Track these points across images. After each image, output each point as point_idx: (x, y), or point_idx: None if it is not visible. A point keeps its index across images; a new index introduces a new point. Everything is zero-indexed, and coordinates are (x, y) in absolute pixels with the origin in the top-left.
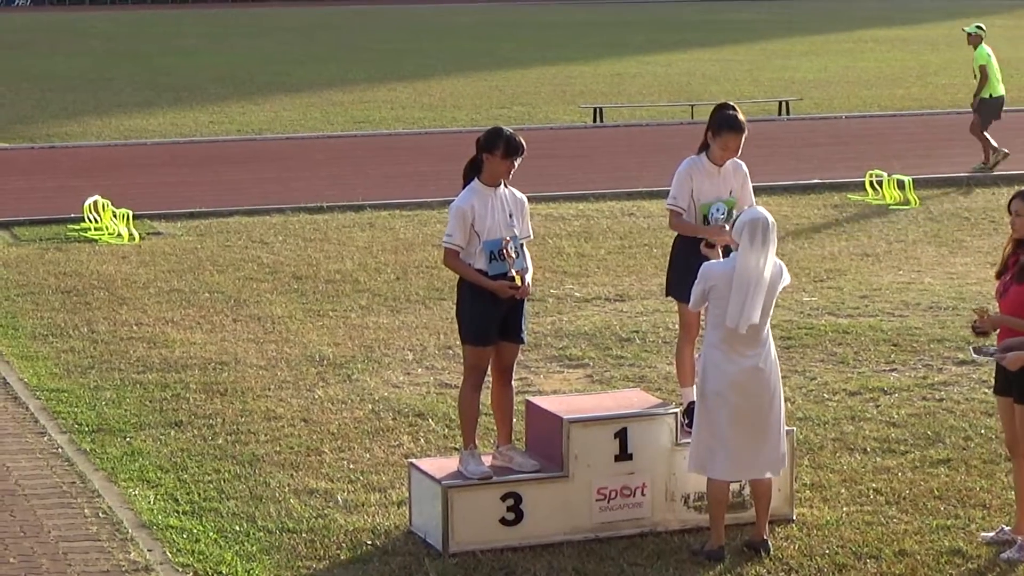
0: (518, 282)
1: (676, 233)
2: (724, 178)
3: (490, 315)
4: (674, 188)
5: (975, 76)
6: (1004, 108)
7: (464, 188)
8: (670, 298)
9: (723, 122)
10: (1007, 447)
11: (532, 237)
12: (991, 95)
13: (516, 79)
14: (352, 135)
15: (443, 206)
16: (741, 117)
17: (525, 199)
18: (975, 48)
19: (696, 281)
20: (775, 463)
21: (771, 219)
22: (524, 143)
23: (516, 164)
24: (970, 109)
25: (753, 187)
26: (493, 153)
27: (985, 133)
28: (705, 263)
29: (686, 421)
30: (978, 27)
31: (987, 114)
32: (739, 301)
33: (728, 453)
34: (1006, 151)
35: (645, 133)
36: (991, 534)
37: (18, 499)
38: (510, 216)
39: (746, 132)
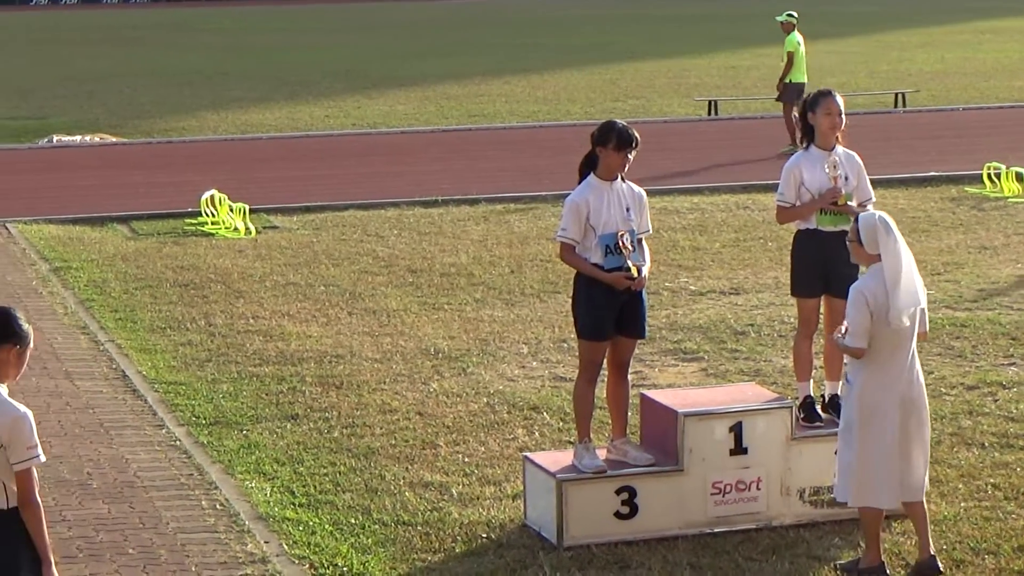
0: (634, 273)
1: (796, 230)
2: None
3: (606, 309)
4: (782, 183)
5: (782, 60)
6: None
7: (580, 183)
8: (791, 296)
9: (819, 95)
10: None
11: (651, 232)
12: (793, 80)
13: (630, 72)
14: (466, 129)
15: (557, 200)
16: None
17: (644, 193)
18: (787, 34)
19: (852, 310)
20: (925, 480)
21: (885, 215)
22: (637, 136)
23: (630, 157)
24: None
25: (869, 180)
26: (606, 146)
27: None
28: (851, 291)
29: (802, 415)
30: (789, 14)
31: (791, 97)
32: (901, 293)
33: (892, 477)
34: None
35: (760, 126)
36: None
37: (137, 491)
38: (627, 210)
39: (839, 99)
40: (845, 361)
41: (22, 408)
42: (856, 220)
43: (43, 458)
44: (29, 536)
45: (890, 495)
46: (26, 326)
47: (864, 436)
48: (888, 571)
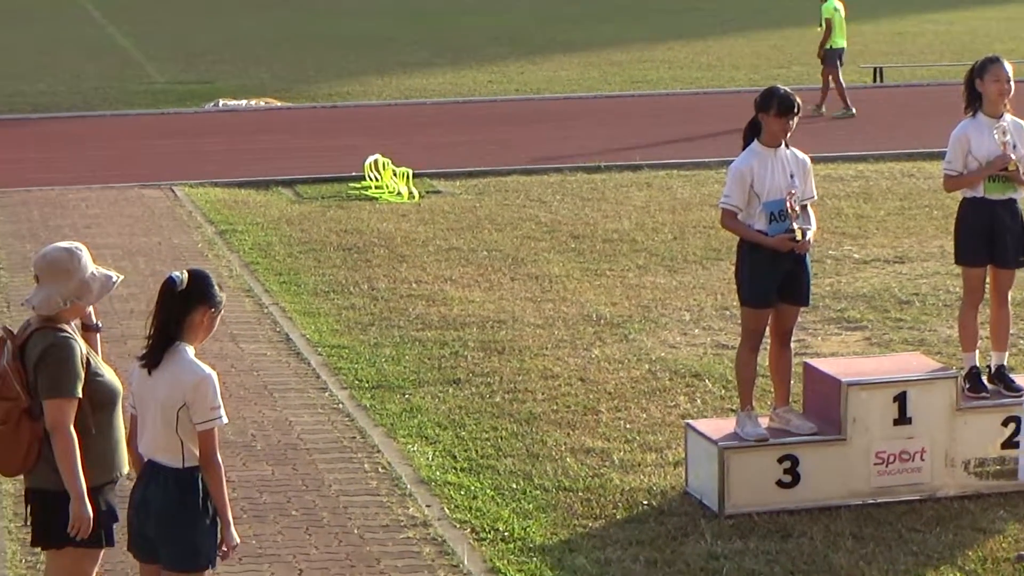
0: (799, 236)
1: (962, 198)
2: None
3: (769, 277)
4: (949, 151)
5: (820, 27)
6: None
7: (744, 149)
8: (955, 264)
9: (987, 61)
10: None
11: (816, 198)
12: (833, 46)
13: (795, 38)
14: (630, 95)
15: (721, 166)
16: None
17: (808, 160)
18: (824, 2)
19: None
20: None
21: None
22: (799, 102)
23: (791, 124)
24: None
25: None
26: (768, 112)
27: (838, 80)
28: None
29: (967, 386)
30: None
31: (832, 62)
32: None
33: None
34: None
35: (926, 93)
36: None
37: (300, 453)
38: (791, 177)
39: (1007, 65)
40: (1013, 332)
41: (207, 369)
42: None
43: (225, 420)
44: (202, 496)
45: None
46: (220, 292)
47: None
48: None
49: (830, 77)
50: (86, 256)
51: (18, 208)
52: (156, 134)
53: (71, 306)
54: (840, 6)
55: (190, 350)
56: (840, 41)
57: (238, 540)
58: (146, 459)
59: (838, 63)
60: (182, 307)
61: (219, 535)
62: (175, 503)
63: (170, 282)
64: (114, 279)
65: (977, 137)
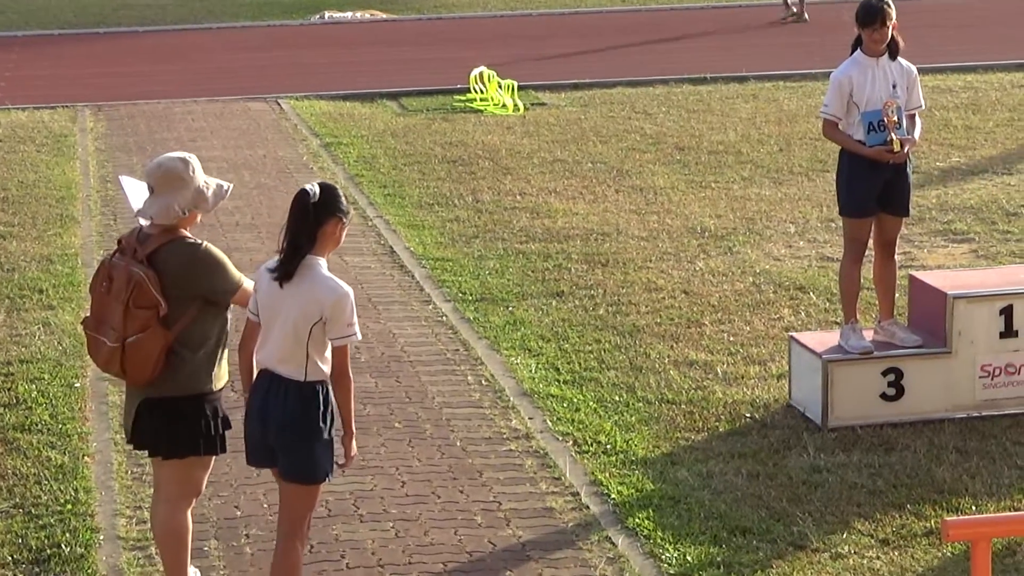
0: (896, 147)
1: None
2: None
3: (868, 187)
4: None
5: None
6: None
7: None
8: None
9: None
10: None
11: (923, 107)
12: None
13: None
14: (736, 6)
15: (826, 77)
16: None
17: (914, 69)
18: None
19: None
20: None
21: None
22: (888, 11)
23: (880, 34)
24: None
25: None
26: (857, 23)
27: None
28: None
29: None
30: None
31: None
32: None
33: None
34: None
35: None
36: None
37: (404, 365)
38: (893, 87)
39: None
40: None
41: (345, 286)
42: None
43: (359, 336)
44: (323, 409)
45: None
46: (348, 203)
47: None
48: None
49: None
50: (198, 165)
51: (124, 121)
52: (261, 46)
53: (188, 215)
54: None
55: (323, 263)
56: None
57: (356, 452)
58: (263, 368)
59: None
60: (316, 219)
61: (342, 446)
62: (297, 416)
63: (304, 194)
64: (226, 187)
65: None
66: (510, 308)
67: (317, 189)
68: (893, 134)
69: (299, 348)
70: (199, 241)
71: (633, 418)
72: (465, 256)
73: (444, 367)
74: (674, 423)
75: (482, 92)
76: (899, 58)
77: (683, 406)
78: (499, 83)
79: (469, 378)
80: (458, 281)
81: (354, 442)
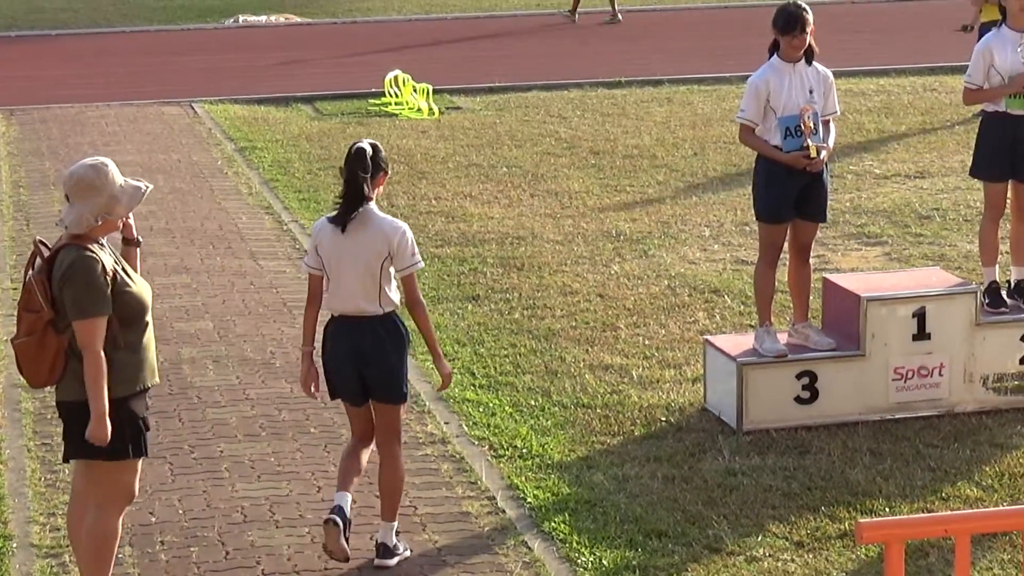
0: (812, 153)
1: (983, 112)
2: None
3: (785, 192)
4: (971, 65)
5: None
6: None
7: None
8: (975, 179)
9: None
10: None
11: (838, 113)
12: None
13: None
14: (650, 9)
15: (741, 81)
16: None
17: (830, 74)
18: None
19: None
20: None
21: None
22: (806, 18)
23: (799, 40)
24: None
25: None
26: (776, 29)
27: None
28: None
29: (987, 301)
30: None
31: None
32: None
33: None
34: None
35: (948, 7)
36: None
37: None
38: (810, 92)
39: None
40: None
41: (402, 223)
42: None
43: (422, 264)
44: (402, 335)
45: None
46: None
47: None
48: None
49: None
50: (113, 170)
51: (37, 126)
52: (176, 50)
53: (103, 222)
54: None
55: (375, 207)
56: None
57: (450, 369)
58: (339, 313)
59: None
60: (373, 171)
61: (434, 367)
62: (386, 344)
63: (361, 150)
64: (143, 189)
65: (1000, 50)
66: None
67: (369, 147)
68: (810, 140)
69: (373, 284)
70: (88, 252)
71: (549, 422)
72: None
73: None
74: (590, 427)
75: (397, 96)
76: (815, 63)
77: (599, 410)
78: (414, 87)
79: (346, 413)
80: None
81: (445, 361)
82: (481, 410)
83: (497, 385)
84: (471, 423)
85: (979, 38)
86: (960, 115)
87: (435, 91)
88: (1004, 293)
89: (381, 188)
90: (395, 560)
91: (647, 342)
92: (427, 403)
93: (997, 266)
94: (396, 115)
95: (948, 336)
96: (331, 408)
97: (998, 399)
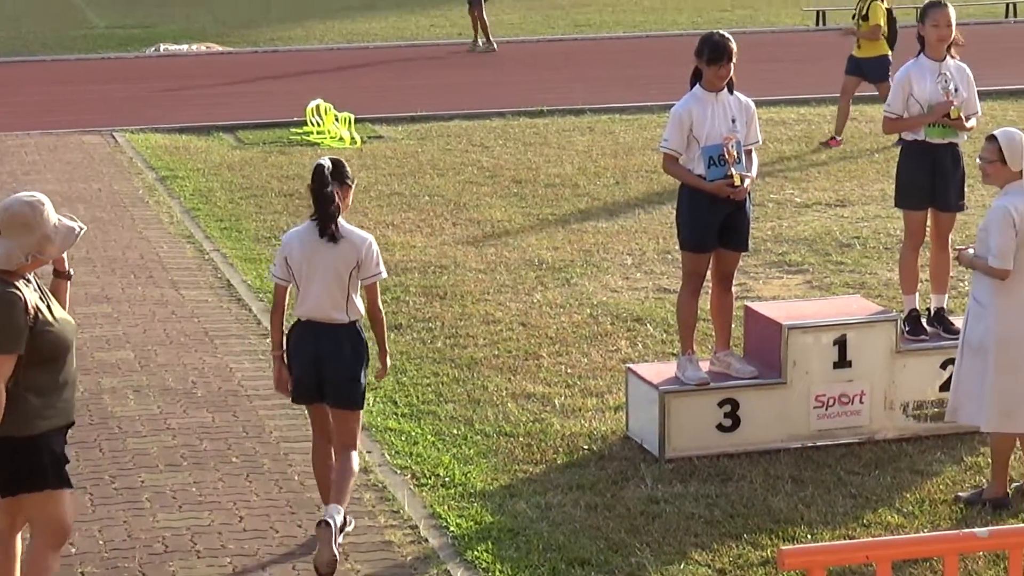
0: (736, 181)
1: (903, 141)
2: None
3: (708, 221)
4: (891, 94)
5: None
6: None
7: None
8: (895, 207)
9: (929, 6)
10: None
11: (760, 142)
12: None
13: None
14: (572, 39)
15: (663, 110)
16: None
17: (752, 104)
18: None
19: (996, 230)
20: None
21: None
22: (732, 48)
23: (725, 70)
24: None
25: (978, 92)
26: (701, 59)
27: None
28: (994, 210)
29: (907, 328)
30: None
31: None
32: None
33: None
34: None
35: None
36: None
37: (241, 400)
38: (733, 121)
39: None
40: (953, 275)
41: (369, 235)
42: (994, 140)
43: (385, 274)
44: (363, 345)
45: None
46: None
47: (1002, 360)
48: (1011, 502)
49: (476, 14)
50: (48, 209)
51: None
52: (96, 79)
53: (32, 260)
54: None
55: (344, 220)
56: None
57: (389, 367)
58: (307, 319)
59: (483, 2)
60: (338, 186)
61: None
62: (348, 351)
63: (320, 166)
64: (77, 230)
65: (919, 80)
66: None
67: (329, 164)
68: (733, 169)
69: (342, 293)
70: (9, 287)
71: (471, 451)
72: None
73: (281, 401)
74: (512, 455)
75: (319, 125)
76: (736, 92)
77: (521, 438)
78: (336, 116)
79: (306, 412)
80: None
81: (388, 357)
82: (403, 439)
83: (419, 414)
84: (393, 452)
85: (847, 70)
86: (880, 144)
87: (357, 120)
88: (924, 321)
89: (348, 201)
90: (342, 536)
91: (569, 371)
92: None
93: (917, 294)
94: (318, 144)
95: (869, 364)
96: (252, 438)
97: (918, 426)
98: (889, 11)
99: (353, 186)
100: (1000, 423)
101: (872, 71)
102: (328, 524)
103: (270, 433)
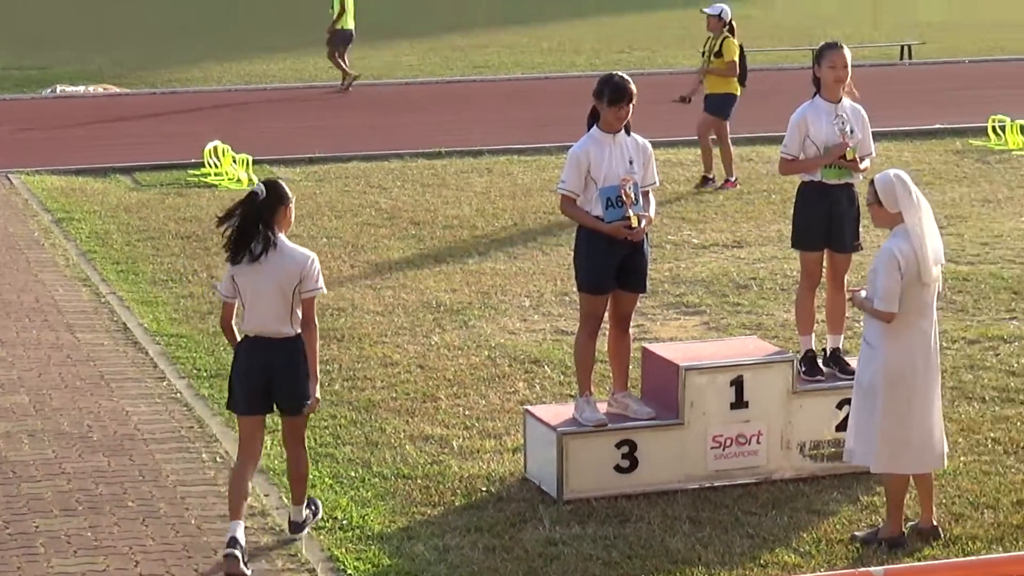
0: (634, 223)
1: (799, 182)
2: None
3: (606, 263)
4: (787, 135)
5: (331, 9)
6: None
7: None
8: (793, 248)
9: (826, 47)
10: None
11: (657, 184)
12: (343, 27)
13: (637, 23)
14: (471, 80)
15: (561, 152)
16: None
17: (649, 146)
18: None
19: (882, 273)
20: (944, 447)
21: (900, 172)
22: (633, 90)
23: (625, 112)
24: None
25: (873, 133)
26: (601, 100)
27: (340, 59)
28: (880, 253)
29: (803, 369)
30: None
31: (340, 42)
32: (930, 249)
33: (919, 443)
34: (356, 73)
35: (766, 78)
36: None
37: (137, 443)
38: (630, 163)
39: (846, 52)
40: (849, 315)
41: (311, 253)
42: (872, 184)
43: (324, 289)
44: (305, 355)
45: (917, 461)
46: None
47: (890, 402)
48: (906, 542)
49: (337, 55)
50: None
51: None
52: None
53: None
54: None
55: (285, 238)
56: (350, 24)
57: (319, 397)
58: (254, 334)
59: (345, 43)
60: (271, 209)
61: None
62: (297, 360)
63: (254, 196)
64: None
65: (815, 122)
66: None
67: (263, 188)
68: (630, 211)
69: (286, 307)
70: None
71: (369, 493)
72: (200, 332)
73: (178, 444)
74: (410, 498)
75: (216, 166)
76: (633, 134)
77: (419, 481)
78: (233, 157)
79: (204, 455)
80: (192, 357)
81: (318, 386)
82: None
83: (317, 456)
84: (291, 495)
85: (705, 108)
86: (776, 184)
87: (255, 162)
88: (820, 361)
89: (291, 218)
90: (306, 530)
91: (467, 412)
92: None
93: (813, 335)
94: (216, 186)
95: (765, 404)
96: (148, 482)
97: (815, 466)
98: (741, 47)
99: (291, 204)
100: (889, 464)
101: (715, 107)
102: (235, 556)
103: (166, 477)
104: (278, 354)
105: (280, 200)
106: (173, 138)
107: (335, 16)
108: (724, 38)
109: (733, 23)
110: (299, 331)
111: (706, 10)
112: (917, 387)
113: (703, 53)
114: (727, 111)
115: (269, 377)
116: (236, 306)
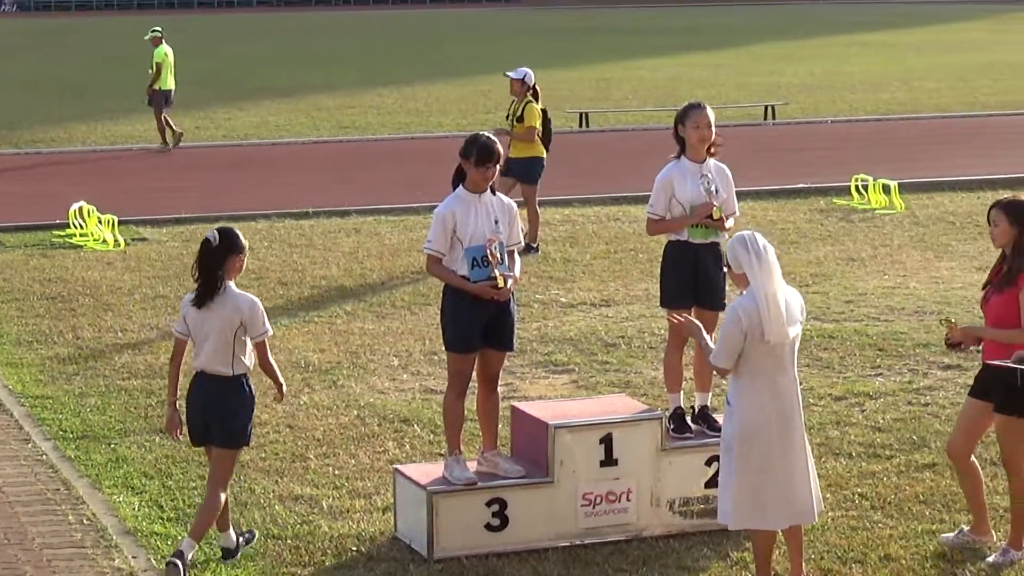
0: (500, 283)
1: (666, 241)
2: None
3: (473, 322)
4: (653, 195)
5: (151, 69)
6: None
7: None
8: (661, 307)
9: (689, 108)
10: (954, 450)
11: (522, 244)
12: (162, 87)
13: (503, 84)
14: (338, 140)
15: (429, 211)
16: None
17: (514, 205)
18: (156, 47)
19: (724, 328)
20: (817, 500)
21: (754, 233)
22: (500, 151)
23: (491, 172)
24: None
25: (738, 192)
26: (468, 160)
27: (164, 118)
28: (728, 308)
29: (672, 426)
30: (154, 30)
31: (159, 102)
32: (773, 311)
33: (778, 498)
34: (180, 131)
35: (631, 138)
36: (951, 536)
37: (2, 506)
38: (496, 223)
39: (709, 112)
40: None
41: (253, 297)
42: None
43: (271, 332)
44: (247, 395)
45: (777, 517)
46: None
47: (744, 459)
48: None
49: (162, 116)
50: None
51: None
52: None
53: None
54: (170, 51)
55: (233, 285)
56: (169, 83)
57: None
58: (201, 370)
59: (164, 103)
60: (222, 257)
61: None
62: (233, 401)
63: (207, 242)
64: None
65: (681, 181)
66: (112, 445)
67: (217, 235)
68: (496, 270)
69: (227, 350)
70: None
71: (239, 554)
72: (66, 393)
73: (44, 507)
74: (280, 558)
75: (82, 227)
76: (498, 194)
77: (289, 541)
78: (99, 218)
79: (71, 518)
80: (58, 419)
81: (283, 388)
82: (170, 543)
83: (186, 518)
84: (160, 556)
85: (509, 172)
86: (644, 244)
87: (121, 222)
88: (688, 419)
89: (243, 265)
90: (183, 565)
91: (337, 472)
92: (115, 537)
93: (681, 392)
94: (81, 247)
95: (635, 461)
96: (14, 544)
97: (684, 522)
98: (544, 112)
99: (244, 254)
100: (747, 520)
101: (522, 172)
102: (176, 566)
103: (32, 540)
104: (215, 392)
105: (230, 250)
106: (37, 199)
107: (152, 78)
108: (527, 103)
109: (537, 87)
110: (239, 372)
111: (509, 74)
112: (773, 443)
113: (508, 117)
114: (534, 175)
115: (207, 413)
116: (188, 344)
